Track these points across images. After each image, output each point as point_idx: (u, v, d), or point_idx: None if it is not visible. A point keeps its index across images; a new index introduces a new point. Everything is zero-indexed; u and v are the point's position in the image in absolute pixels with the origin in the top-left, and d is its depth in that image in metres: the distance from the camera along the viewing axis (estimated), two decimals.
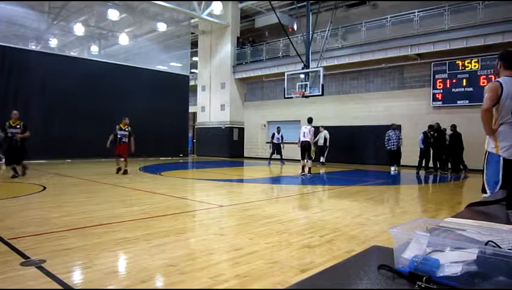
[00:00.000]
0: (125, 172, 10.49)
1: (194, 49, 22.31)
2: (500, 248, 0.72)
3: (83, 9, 19.05)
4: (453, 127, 12.26)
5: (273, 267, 2.94)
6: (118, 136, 10.33)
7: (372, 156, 15.79)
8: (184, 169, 14.55)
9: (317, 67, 14.27)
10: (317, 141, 14.31)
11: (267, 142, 19.26)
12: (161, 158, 18.09)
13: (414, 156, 12.83)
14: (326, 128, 15.69)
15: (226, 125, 20.59)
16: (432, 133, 12.57)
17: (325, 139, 15.34)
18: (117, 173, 10.46)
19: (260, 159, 19.25)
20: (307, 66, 14.38)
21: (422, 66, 14.78)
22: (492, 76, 11.94)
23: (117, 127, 10.48)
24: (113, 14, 17.78)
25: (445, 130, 12.55)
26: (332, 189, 8.73)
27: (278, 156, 16.04)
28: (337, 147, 15.79)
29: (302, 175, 10.85)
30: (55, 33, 18.97)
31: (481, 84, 12.96)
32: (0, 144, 9.30)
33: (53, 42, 18.92)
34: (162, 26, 20.06)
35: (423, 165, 12.57)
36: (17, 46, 14.62)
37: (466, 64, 13.60)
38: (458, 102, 13.78)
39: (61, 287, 2.49)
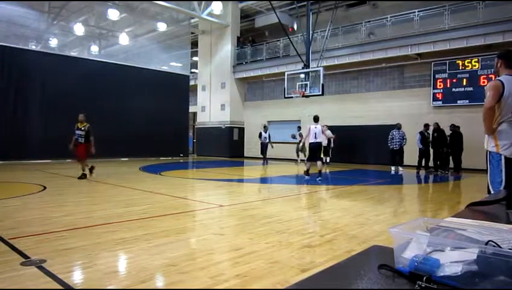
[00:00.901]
0: (83, 176, 9.04)
1: (194, 49, 22.31)
2: (500, 247, 0.72)
3: (82, 9, 19.06)
4: (453, 126, 12.25)
5: (273, 267, 2.94)
6: (75, 136, 9.21)
7: (373, 155, 15.80)
8: (184, 169, 14.54)
9: (317, 67, 14.26)
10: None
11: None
12: (161, 158, 18.10)
13: (414, 156, 12.83)
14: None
15: (226, 125, 20.58)
16: (428, 132, 12.57)
17: (329, 139, 15.31)
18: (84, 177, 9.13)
19: (260, 159, 19.22)
20: (307, 65, 14.38)
21: (422, 66, 14.77)
22: (493, 76, 11.93)
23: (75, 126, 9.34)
24: (113, 14, 17.80)
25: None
26: (332, 189, 8.73)
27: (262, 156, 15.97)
28: (337, 147, 15.78)
29: (309, 177, 9.58)
30: (55, 33, 18.95)
31: (481, 83, 12.95)
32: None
33: (53, 42, 18.90)
34: (162, 26, 20.08)
35: (423, 164, 12.56)
36: (17, 46, 14.58)
37: (466, 64, 13.59)
38: (458, 102, 13.77)
39: (61, 287, 2.49)
